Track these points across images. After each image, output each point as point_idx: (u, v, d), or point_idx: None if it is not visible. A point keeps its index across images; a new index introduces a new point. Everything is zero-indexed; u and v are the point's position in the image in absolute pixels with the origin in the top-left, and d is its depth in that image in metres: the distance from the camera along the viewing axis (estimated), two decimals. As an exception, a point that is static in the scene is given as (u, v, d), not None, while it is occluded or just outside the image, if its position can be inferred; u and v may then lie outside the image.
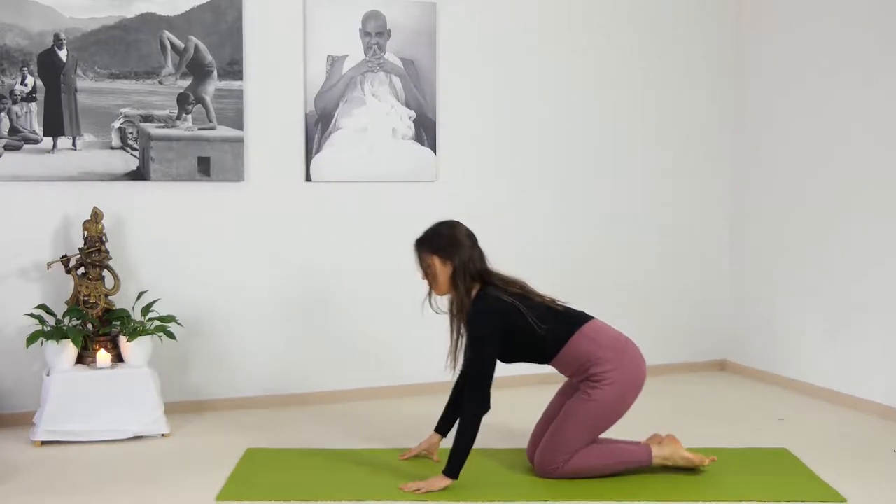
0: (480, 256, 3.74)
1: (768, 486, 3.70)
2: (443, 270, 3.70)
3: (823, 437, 4.41)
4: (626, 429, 3.91)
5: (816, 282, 5.19)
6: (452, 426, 3.86)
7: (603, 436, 3.82)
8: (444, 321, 5.21)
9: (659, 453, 3.78)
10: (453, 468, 3.59)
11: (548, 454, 3.72)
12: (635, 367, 3.75)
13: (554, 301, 3.80)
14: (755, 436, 4.41)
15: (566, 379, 3.93)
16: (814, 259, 5.21)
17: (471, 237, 3.75)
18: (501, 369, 5.39)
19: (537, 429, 3.91)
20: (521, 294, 3.71)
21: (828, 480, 3.76)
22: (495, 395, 4.97)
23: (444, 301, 3.85)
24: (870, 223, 4.86)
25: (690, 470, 3.82)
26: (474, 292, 3.70)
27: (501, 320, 3.64)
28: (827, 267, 5.12)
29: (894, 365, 4.72)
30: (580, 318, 3.78)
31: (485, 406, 3.62)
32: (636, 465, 3.77)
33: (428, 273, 3.74)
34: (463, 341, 3.73)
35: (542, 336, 3.66)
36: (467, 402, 3.63)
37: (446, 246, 3.69)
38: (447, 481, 3.58)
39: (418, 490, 3.57)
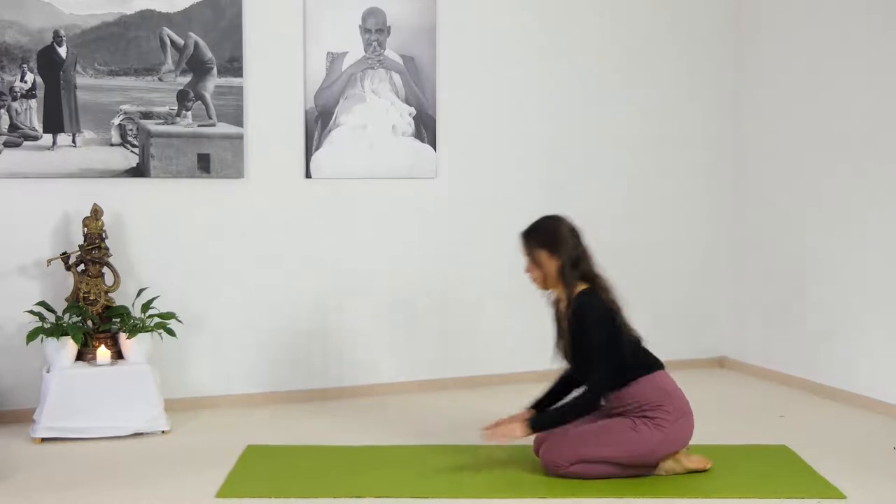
0: (587, 254, 3.73)
1: (768, 483, 3.71)
2: (550, 264, 3.69)
3: (823, 433, 4.42)
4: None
5: (816, 279, 5.19)
6: (547, 407, 3.86)
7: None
8: (446, 319, 5.24)
9: (662, 465, 3.77)
10: (537, 426, 3.66)
11: (559, 450, 3.70)
12: (687, 428, 3.75)
13: (639, 337, 3.80)
14: (755, 432, 4.41)
15: None
16: (813, 256, 5.21)
17: (574, 232, 3.74)
18: (510, 364, 5.41)
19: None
20: (619, 308, 3.71)
21: (827, 477, 3.76)
22: (505, 391, 4.98)
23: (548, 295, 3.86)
24: (869, 222, 4.86)
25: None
26: (578, 290, 3.68)
27: (602, 321, 3.64)
28: (827, 264, 5.12)
29: (894, 362, 4.72)
30: (657, 364, 3.78)
31: (597, 407, 3.66)
32: (641, 475, 3.76)
33: (535, 266, 3.74)
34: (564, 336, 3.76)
35: (623, 359, 3.66)
36: (591, 396, 3.64)
37: (552, 240, 3.70)
38: (526, 432, 3.65)
39: (495, 433, 3.65)
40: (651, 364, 3.76)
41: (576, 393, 3.78)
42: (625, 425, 3.67)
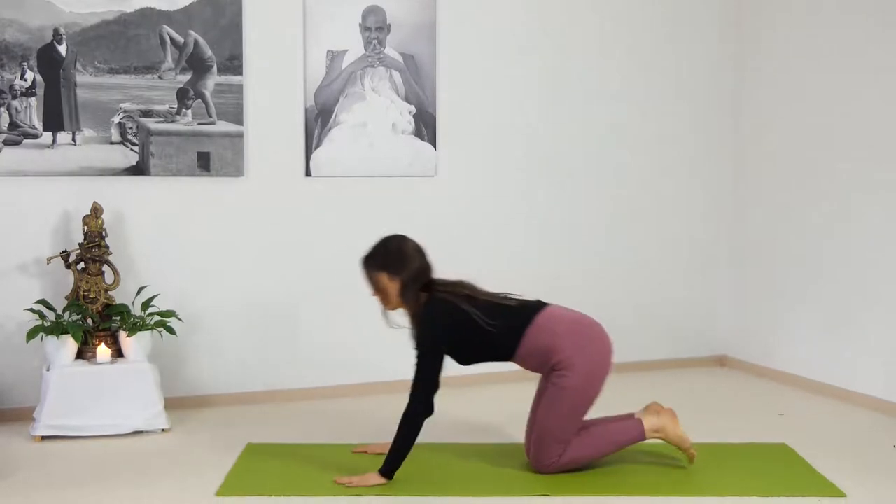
0: (428, 268, 3.73)
1: (768, 481, 3.70)
2: (391, 286, 3.68)
3: (823, 432, 4.42)
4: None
5: (816, 278, 5.19)
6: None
7: (593, 415, 3.81)
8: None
9: (652, 425, 3.78)
10: (389, 469, 3.59)
11: (541, 451, 3.72)
12: (598, 347, 3.73)
13: (506, 296, 3.77)
14: (755, 431, 4.41)
15: None
16: (813, 256, 5.21)
17: (419, 250, 3.73)
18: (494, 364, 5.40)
19: (528, 424, 3.91)
20: (468, 295, 3.70)
21: (827, 475, 3.76)
22: (485, 392, 4.99)
23: (390, 316, 3.83)
24: (868, 220, 4.86)
25: (681, 467, 3.85)
26: (422, 303, 3.68)
27: (448, 323, 3.63)
28: (827, 263, 5.12)
29: (894, 360, 4.72)
30: (533, 309, 3.73)
31: (428, 410, 3.62)
32: (631, 443, 3.80)
33: (377, 289, 3.73)
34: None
35: (495, 333, 3.64)
36: (410, 406, 3.60)
37: (394, 261, 3.68)
38: (381, 480, 3.59)
39: (350, 483, 3.59)
40: (527, 315, 3.71)
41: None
42: (552, 392, 3.66)
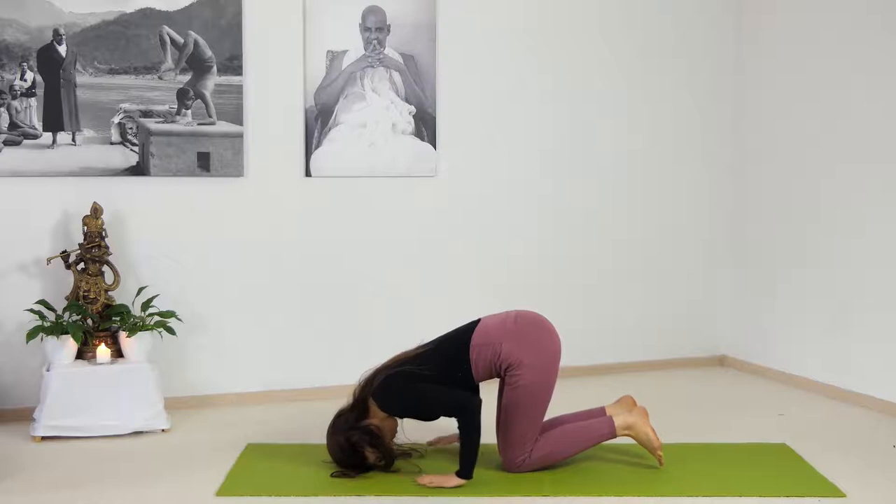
0: (352, 420, 3.72)
1: (768, 482, 3.70)
2: (376, 453, 3.70)
3: (823, 432, 4.41)
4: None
5: (816, 278, 5.19)
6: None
7: (563, 413, 3.85)
8: (441, 314, 5.24)
9: (623, 422, 3.80)
10: (465, 470, 3.61)
11: (509, 452, 3.75)
12: (537, 338, 3.76)
13: (434, 340, 3.82)
14: (755, 431, 4.41)
15: None
16: (813, 255, 5.21)
17: (344, 436, 3.71)
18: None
19: (496, 425, 3.91)
20: (391, 365, 3.75)
21: (827, 475, 3.76)
22: (484, 393, 4.98)
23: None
24: (868, 221, 4.86)
25: (681, 467, 3.84)
26: (377, 417, 3.71)
27: (404, 381, 3.67)
28: (826, 263, 5.12)
29: (894, 360, 4.72)
30: (466, 335, 3.78)
31: (478, 422, 3.59)
32: (602, 440, 3.82)
33: (379, 453, 3.71)
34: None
35: (443, 374, 3.68)
36: (464, 427, 3.59)
37: (355, 454, 3.69)
38: (461, 481, 3.60)
39: (431, 483, 3.61)
40: (462, 343, 3.75)
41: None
42: (510, 394, 3.69)
